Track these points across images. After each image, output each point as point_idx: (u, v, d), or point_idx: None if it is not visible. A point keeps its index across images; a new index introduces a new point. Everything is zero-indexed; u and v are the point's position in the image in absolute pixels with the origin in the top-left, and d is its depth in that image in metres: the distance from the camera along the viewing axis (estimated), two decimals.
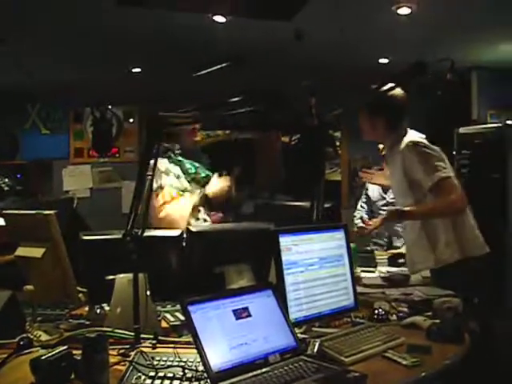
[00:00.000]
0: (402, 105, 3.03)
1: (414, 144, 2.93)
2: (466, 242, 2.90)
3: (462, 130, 5.69)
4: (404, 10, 4.23)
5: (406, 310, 2.37)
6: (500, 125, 5.46)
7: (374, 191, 4.68)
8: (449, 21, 4.43)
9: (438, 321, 2.11)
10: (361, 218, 4.65)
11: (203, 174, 3.38)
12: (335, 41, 4.73)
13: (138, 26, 4.36)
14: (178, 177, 3.24)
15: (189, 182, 3.29)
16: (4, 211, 2.57)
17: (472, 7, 4.15)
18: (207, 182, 3.29)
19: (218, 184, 3.27)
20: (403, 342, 1.93)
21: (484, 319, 2.36)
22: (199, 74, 3.08)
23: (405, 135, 3.04)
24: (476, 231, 2.97)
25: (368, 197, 4.73)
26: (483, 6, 4.17)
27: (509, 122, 5.48)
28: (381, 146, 3.98)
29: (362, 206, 4.81)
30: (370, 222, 3.08)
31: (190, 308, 1.60)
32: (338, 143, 7.66)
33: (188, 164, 3.35)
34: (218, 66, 2.96)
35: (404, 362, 1.75)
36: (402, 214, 2.93)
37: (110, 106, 7.86)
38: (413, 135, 3.11)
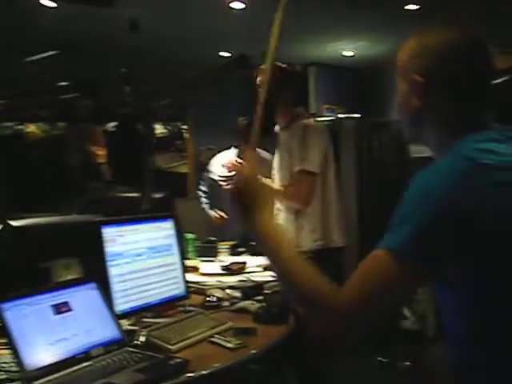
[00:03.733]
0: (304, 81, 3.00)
1: (308, 126, 2.94)
2: (330, 231, 2.98)
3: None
4: (237, 5, 4.31)
5: (238, 295, 2.44)
6: (334, 118, 5.81)
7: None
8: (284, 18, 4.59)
9: (263, 304, 2.20)
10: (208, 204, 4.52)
11: None
12: (174, 33, 4.72)
13: None
14: None
15: None
16: None
17: (303, 6, 4.34)
18: None
19: None
20: (231, 326, 1.98)
21: None
22: (27, 60, 2.93)
23: (302, 116, 3.02)
24: (341, 222, 3.04)
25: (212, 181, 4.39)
26: (317, 5, 4.38)
27: (341, 115, 5.87)
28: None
29: (204, 192, 4.62)
30: None
31: (3, 305, 1.51)
32: (185, 136, 7.66)
33: None
34: (47, 54, 2.83)
35: (228, 345, 1.80)
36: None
37: None
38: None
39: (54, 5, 3.64)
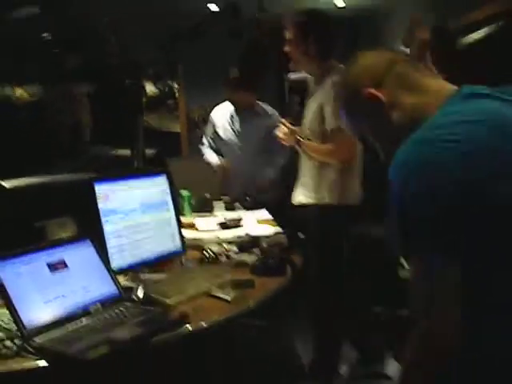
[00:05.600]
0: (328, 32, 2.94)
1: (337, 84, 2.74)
2: (347, 189, 2.96)
3: (292, 75, 5.91)
4: None
5: (235, 250, 2.44)
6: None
7: (225, 132, 4.23)
8: None
9: (261, 256, 2.20)
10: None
11: None
12: None
13: None
14: None
15: None
16: None
17: None
18: None
19: None
20: (228, 279, 1.98)
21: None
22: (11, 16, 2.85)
23: (333, 70, 2.91)
24: (357, 181, 3.03)
25: (217, 135, 4.28)
26: None
27: None
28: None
29: (209, 142, 4.38)
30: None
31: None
32: (176, 94, 7.56)
33: None
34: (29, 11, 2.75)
35: (226, 298, 1.80)
36: (298, 143, 2.95)
37: None
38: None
39: None
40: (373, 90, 1.27)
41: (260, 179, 4.04)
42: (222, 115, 4.26)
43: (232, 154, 4.14)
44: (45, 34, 1.61)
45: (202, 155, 4.35)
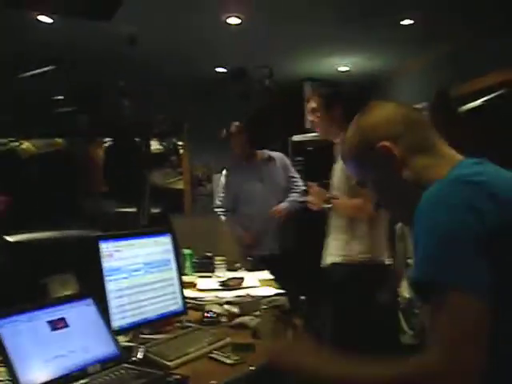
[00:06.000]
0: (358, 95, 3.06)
1: None
2: (378, 245, 2.99)
3: (295, 137, 6.01)
4: (233, 20, 4.32)
5: (236, 311, 2.42)
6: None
7: (237, 184, 4.29)
8: (280, 33, 4.62)
9: (263, 319, 2.18)
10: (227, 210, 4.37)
11: None
12: (170, 48, 4.73)
13: None
14: None
15: None
16: None
17: (298, 21, 4.37)
18: None
19: None
20: (229, 342, 1.96)
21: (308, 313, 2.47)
22: (22, 76, 2.92)
23: None
24: (385, 237, 3.06)
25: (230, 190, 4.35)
26: (312, 20, 4.41)
27: None
28: None
29: (220, 200, 4.43)
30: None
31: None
32: (181, 151, 7.66)
33: None
34: (43, 69, 2.82)
35: (227, 361, 1.78)
36: (328, 201, 3.00)
37: None
38: None
39: (50, 20, 3.64)
40: (388, 144, 1.27)
41: (276, 208, 4.13)
42: (232, 169, 4.36)
43: (249, 203, 4.21)
44: (58, 97, 1.65)
45: (219, 215, 4.43)
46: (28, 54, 3.25)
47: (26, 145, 7.82)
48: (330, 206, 3.04)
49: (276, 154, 4.38)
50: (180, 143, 7.60)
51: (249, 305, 2.48)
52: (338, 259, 3.01)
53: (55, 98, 1.84)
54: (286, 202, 4.23)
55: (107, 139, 5.15)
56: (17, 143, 7.42)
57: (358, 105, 3.08)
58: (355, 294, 2.90)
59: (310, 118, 3.16)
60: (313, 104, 3.11)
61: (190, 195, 7.26)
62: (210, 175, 7.07)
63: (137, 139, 1.94)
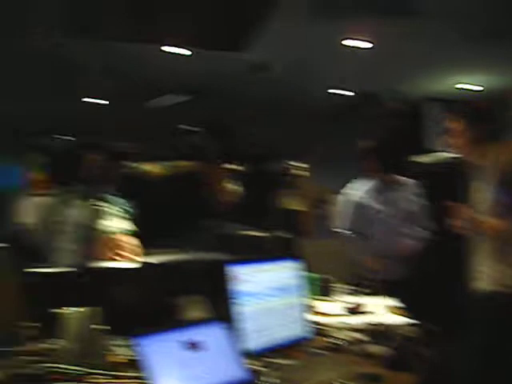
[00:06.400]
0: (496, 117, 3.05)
1: None
2: None
3: (417, 159, 5.83)
4: (362, 44, 4.31)
5: (364, 338, 2.37)
6: (453, 155, 5.58)
7: (365, 207, 4.21)
8: (399, 53, 4.55)
9: (392, 349, 2.11)
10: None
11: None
12: (286, 73, 4.79)
13: (93, 57, 4.35)
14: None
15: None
16: None
17: (422, 40, 4.27)
18: None
19: None
20: (357, 371, 1.92)
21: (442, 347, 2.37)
22: (155, 106, 3.09)
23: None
24: None
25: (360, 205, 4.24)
26: (434, 40, 4.30)
27: None
28: None
29: (343, 221, 4.34)
30: None
31: (141, 341, 1.56)
32: (299, 173, 7.69)
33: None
34: (175, 100, 2.96)
35: None
36: (478, 224, 2.92)
37: (64, 137, 7.75)
38: None
39: (188, 53, 3.83)
40: None
41: (402, 244, 4.04)
42: (360, 190, 4.30)
43: (376, 227, 4.15)
44: (189, 127, 1.73)
45: (341, 237, 4.37)
46: (160, 84, 3.43)
47: (154, 167, 8.24)
48: (476, 227, 2.91)
49: (409, 180, 4.28)
50: (299, 164, 7.66)
51: (376, 332, 2.42)
52: (490, 287, 2.85)
53: (187, 128, 1.92)
54: (414, 238, 4.10)
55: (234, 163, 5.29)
56: (146, 165, 7.84)
57: (500, 124, 3.00)
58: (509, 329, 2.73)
59: (448, 139, 3.07)
60: (455, 124, 3.03)
61: (310, 217, 7.26)
62: (330, 197, 7.04)
63: (268, 165, 1.97)
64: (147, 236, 3.65)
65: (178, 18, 2.13)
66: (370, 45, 4.27)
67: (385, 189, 4.18)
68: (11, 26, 3.95)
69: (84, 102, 6.50)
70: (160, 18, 2.15)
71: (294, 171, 7.46)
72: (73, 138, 7.87)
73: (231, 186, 4.19)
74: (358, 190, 4.32)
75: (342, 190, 4.44)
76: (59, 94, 6.06)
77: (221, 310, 2.15)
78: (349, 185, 4.43)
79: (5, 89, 5.97)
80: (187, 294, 2.24)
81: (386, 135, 5.17)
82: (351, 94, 4.76)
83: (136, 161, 5.26)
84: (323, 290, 3.47)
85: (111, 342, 2.22)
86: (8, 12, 3.65)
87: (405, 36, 4.21)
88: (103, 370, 1.86)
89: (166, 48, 3.76)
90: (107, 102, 6.29)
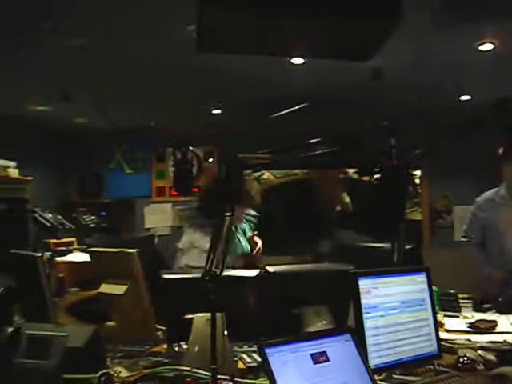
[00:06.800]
0: None
1: None
2: None
3: None
4: (486, 46, 4.14)
5: (493, 358, 2.25)
6: None
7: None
8: None
9: None
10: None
11: None
12: (413, 79, 4.69)
13: (219, 68, 4.50)
14: None
15: None
16: (89, 249, 2.68)
17: None
18: None
19: None
20: None
21: None
22: (277, 115, 3.13)
23: None
24: None
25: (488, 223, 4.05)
26: None
27: None
28: None
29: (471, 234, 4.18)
30: None
31: (267, 350, 1.58)
32: (417, 182, 7.50)
33: None
34: (296, 108, 2.99)
35: None
36: None
37: (190, 147, 8.07)
38: None
39: (301, 61, 3.87)
40: None
41: None
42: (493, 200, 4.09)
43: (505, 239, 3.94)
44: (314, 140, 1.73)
45: (466, 246, 4.23)
46: (286, 94, 3.48)
47: (267, 175, 8.39)
48: None
49: None
50: (416, 173, 7.45)
51: (505, 352, 2.29)
52: None
53: (308, 142, 1.93)
54: None
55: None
56: (259, 173, 7.99)
57: None
58: None
59: None
60: None
61: (429, 227, 7.05)
62: (450, 207, 6.80)
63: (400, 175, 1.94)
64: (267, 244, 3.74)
65: (306, 28, 2.15)
66: (500, 48, 4.09)
67: None
68: (147, 39, 4.18)
69: (212, 113, 6.72)
70: (288, 29, 2.18)
71: (417, 180, 7.28)
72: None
73: (344, 195, 4.16)
74: (487, 200, 4.10)
75: (476, 199, 4.22)
76: (190, 105, 6.30)
77: (345, 321, 2.14)
78: (477, 197, 4.23)
79: (141, 102, 6.30)
80: (311, 304, 2.24)
81: None
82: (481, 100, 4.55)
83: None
84: (444, 304, 3.34)
85: (236, 349, 2.28)
86: (148, 25, 3.85)
87: None
88: (232, 377, 1.90)
89: (294, 60, 3.82)
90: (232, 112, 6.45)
